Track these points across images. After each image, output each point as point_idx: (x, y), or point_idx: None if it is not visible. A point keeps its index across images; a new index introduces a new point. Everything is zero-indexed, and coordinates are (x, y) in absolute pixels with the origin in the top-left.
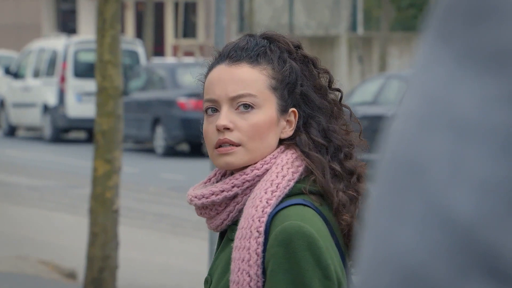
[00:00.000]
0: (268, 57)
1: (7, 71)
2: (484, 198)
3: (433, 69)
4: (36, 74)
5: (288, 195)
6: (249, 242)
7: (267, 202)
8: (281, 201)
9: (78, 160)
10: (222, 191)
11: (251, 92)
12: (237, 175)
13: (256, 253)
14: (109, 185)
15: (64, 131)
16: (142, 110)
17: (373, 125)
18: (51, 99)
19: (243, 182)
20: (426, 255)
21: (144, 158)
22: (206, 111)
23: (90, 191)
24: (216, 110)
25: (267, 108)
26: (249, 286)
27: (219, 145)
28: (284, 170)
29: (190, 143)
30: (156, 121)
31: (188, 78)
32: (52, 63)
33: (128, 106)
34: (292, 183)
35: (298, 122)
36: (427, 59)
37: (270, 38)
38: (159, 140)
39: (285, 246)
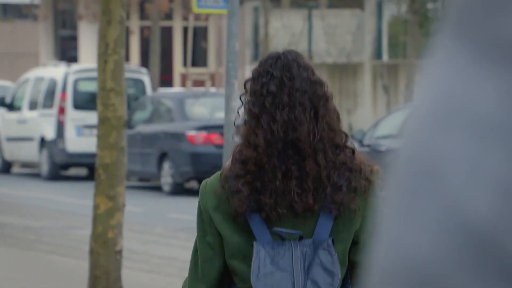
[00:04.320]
0: None
1: (1, 103)
2: (503, 201)
3: (449, 65)
4: (33, 106)
5: None
6: None
7: None
8: None
9: (78, 199)
10: None
11: None
12: None
13: None
14: (111, 223)
15: (63, 167)
16: (148, 144)
17: None
18: (49, 133)
19: None
20: (443, 260)
21: (150, 196)
22: None
23: (90, 231)
24: None
25: None
26: None
27: None
28: None
29: (199, 180)
30: (163, 156)
31: (198, 110)
32: (50, 94)
33: (132, 140)
34: None
35: None
36: (442, 54)
37: None
38: (166, 177)
39: None
